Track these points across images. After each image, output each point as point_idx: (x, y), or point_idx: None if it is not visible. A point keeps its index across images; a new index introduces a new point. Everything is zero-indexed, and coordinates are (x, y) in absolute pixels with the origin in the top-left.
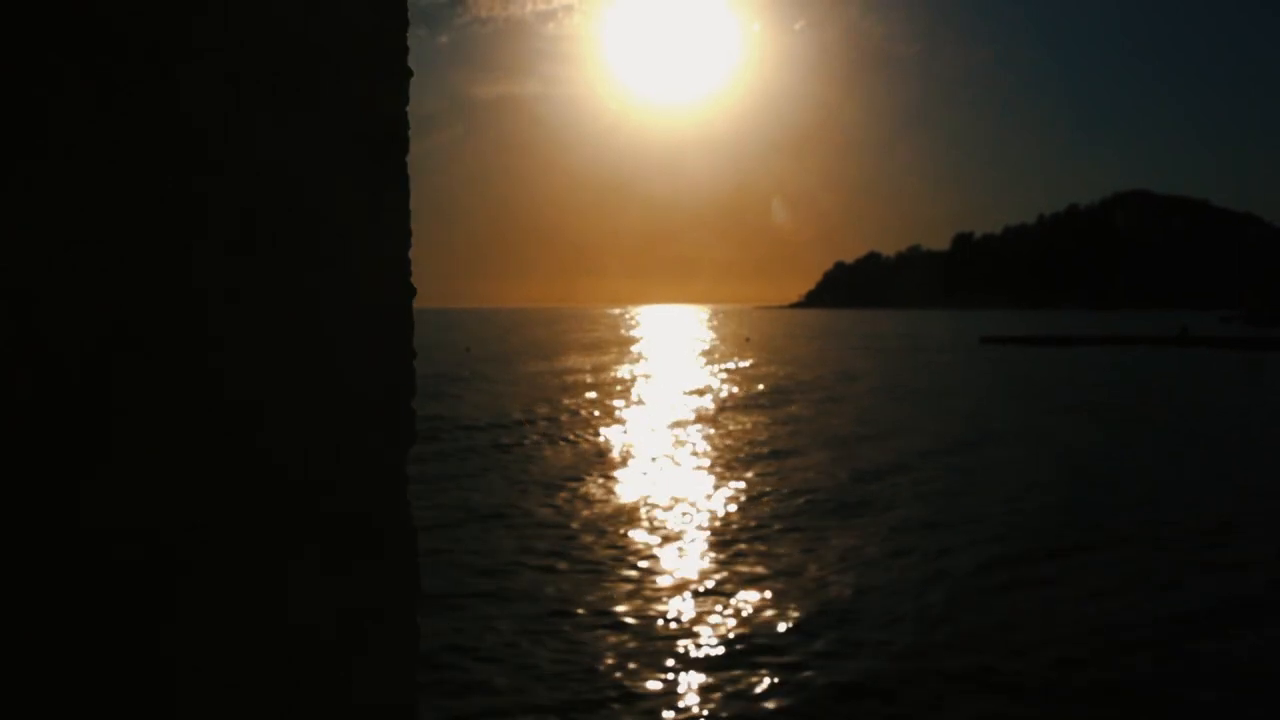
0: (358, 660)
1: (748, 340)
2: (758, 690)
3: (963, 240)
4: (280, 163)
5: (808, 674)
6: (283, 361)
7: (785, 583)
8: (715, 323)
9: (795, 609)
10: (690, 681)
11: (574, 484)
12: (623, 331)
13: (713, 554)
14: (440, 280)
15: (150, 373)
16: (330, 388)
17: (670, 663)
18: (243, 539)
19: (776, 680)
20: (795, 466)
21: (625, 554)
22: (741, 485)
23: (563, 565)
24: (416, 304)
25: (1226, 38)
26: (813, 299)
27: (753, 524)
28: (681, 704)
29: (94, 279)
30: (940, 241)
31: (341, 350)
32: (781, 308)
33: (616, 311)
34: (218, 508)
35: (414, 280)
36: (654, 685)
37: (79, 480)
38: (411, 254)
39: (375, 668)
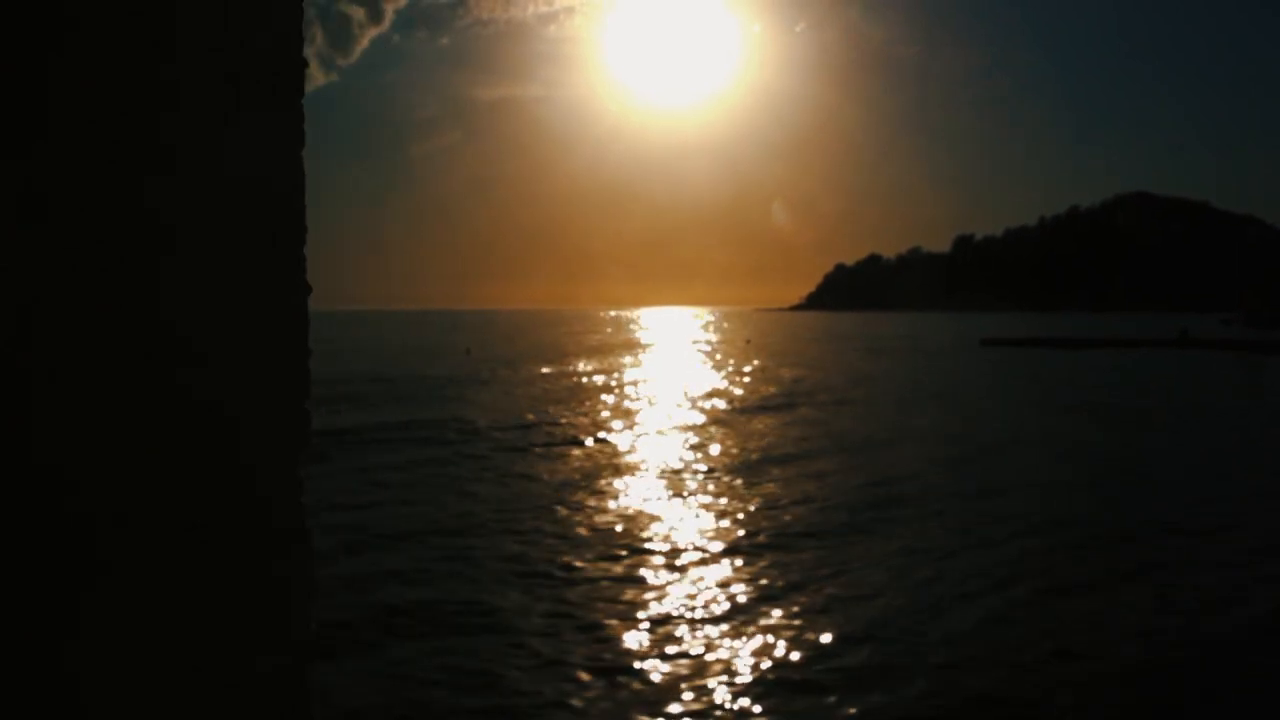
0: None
1: (748, 342)
2: (778, 710)
3: (963, 242)
4: (230, 162)
5: (829, 692)
6: (178, 360)
7: (801, 593)
8: (716, 325)
9: (814, 621)
10: (703, 697)
11: (577, 491)
12: (624, 334)
13: (729, 563)
14: (443, 282)
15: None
16: (218, 388)
17: (685, 679)
18: (133, 533)
19: (799, 699)
20: (809, 473)
21: (638, 564)
22: (757, 492)
23: (568, 573)
24: (421, 306)
25: (1226, 38)
26: (813, 301)
27: (770, 532)
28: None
29: (94, 279)
30: (941, 243)
31: (229, 350)
32: (782, 310)
33: (617, 314)
34: (106, 500)
35: (418, 283)
36: (664, 697)
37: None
38: (407, 257)
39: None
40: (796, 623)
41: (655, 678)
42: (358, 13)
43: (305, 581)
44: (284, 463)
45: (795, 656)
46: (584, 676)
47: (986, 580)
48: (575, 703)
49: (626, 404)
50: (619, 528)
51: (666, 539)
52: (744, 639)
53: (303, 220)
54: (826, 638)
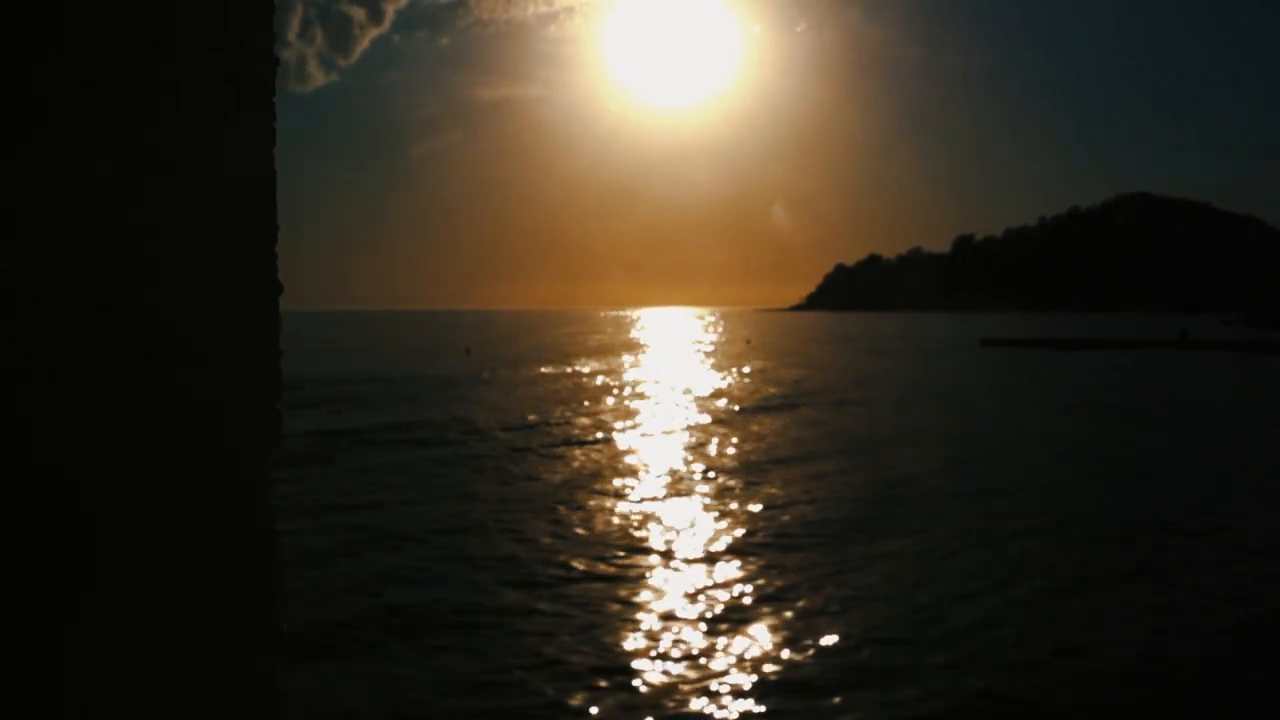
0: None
1: (748, 343)
2: (778, 710)
3: (963, 242)
4: (230, 162)
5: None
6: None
7: (801, 593)
8: (717, 325)
9: (814, 621)
10: (703, 697)
11: (577, 491)
12: (625, 334)
13: (729, 563)
14: (443, 283)
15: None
16: (217, 388)
17: (685, 679)
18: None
19: (799, 699)
20: (809, 473)
21: (638, 564)
22: (757, 492)
23: (568, 573)
24: (422, 307)
25: (1226, 38)
26: (813, 301)
27: (770, 533)
28: None
29: (94, 279)
30: (941, 244)
31: (224, 350)
32: (782, 310)
33: (618, 314)
34: (106, 500)
35: (419, 283)
36: (664, 697)
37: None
38: (408, 258)
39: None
40: (796, 623)
41: (655, 678)
42: (358, 13)
43: (267, 583)
44: (264, 462)
45: (795, 656)
46: (584, 676)
47: (986, 580)
48: (575, 703)
49: (627, 404)
50: (619, 528)
51: (666, 539)
52: (744, 639)
53: (276, 219)
54: (826, 638)
